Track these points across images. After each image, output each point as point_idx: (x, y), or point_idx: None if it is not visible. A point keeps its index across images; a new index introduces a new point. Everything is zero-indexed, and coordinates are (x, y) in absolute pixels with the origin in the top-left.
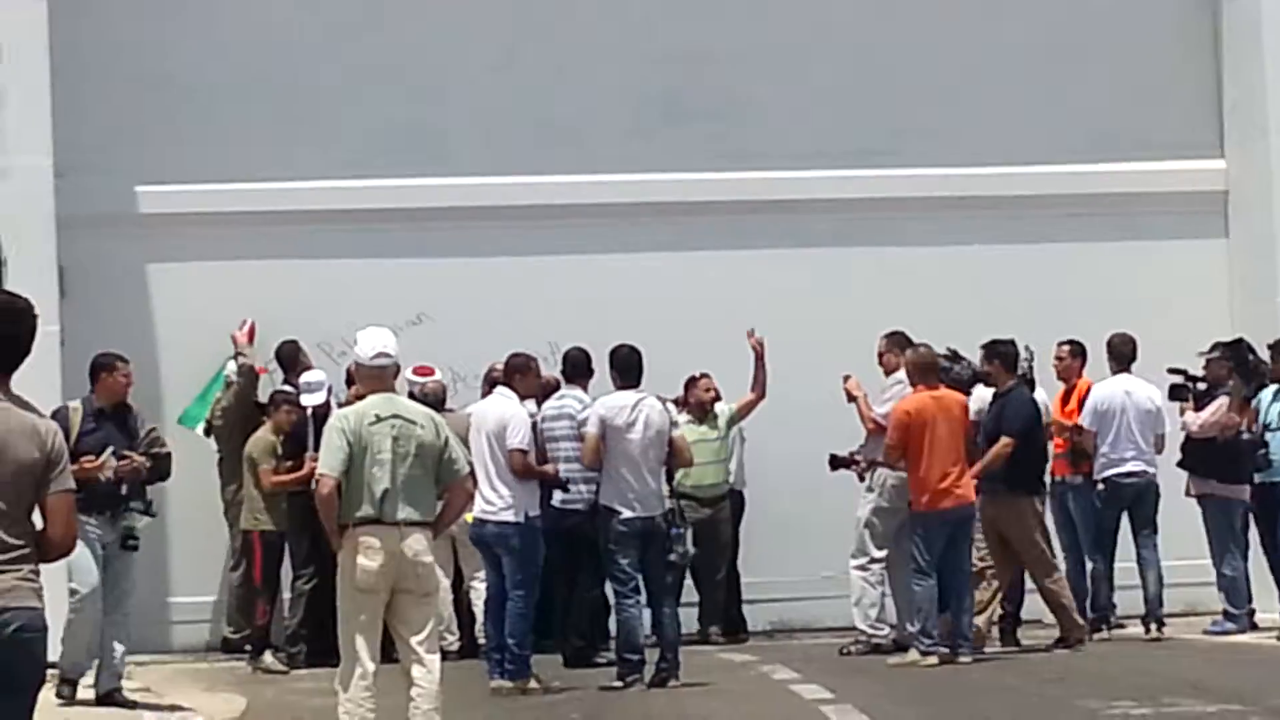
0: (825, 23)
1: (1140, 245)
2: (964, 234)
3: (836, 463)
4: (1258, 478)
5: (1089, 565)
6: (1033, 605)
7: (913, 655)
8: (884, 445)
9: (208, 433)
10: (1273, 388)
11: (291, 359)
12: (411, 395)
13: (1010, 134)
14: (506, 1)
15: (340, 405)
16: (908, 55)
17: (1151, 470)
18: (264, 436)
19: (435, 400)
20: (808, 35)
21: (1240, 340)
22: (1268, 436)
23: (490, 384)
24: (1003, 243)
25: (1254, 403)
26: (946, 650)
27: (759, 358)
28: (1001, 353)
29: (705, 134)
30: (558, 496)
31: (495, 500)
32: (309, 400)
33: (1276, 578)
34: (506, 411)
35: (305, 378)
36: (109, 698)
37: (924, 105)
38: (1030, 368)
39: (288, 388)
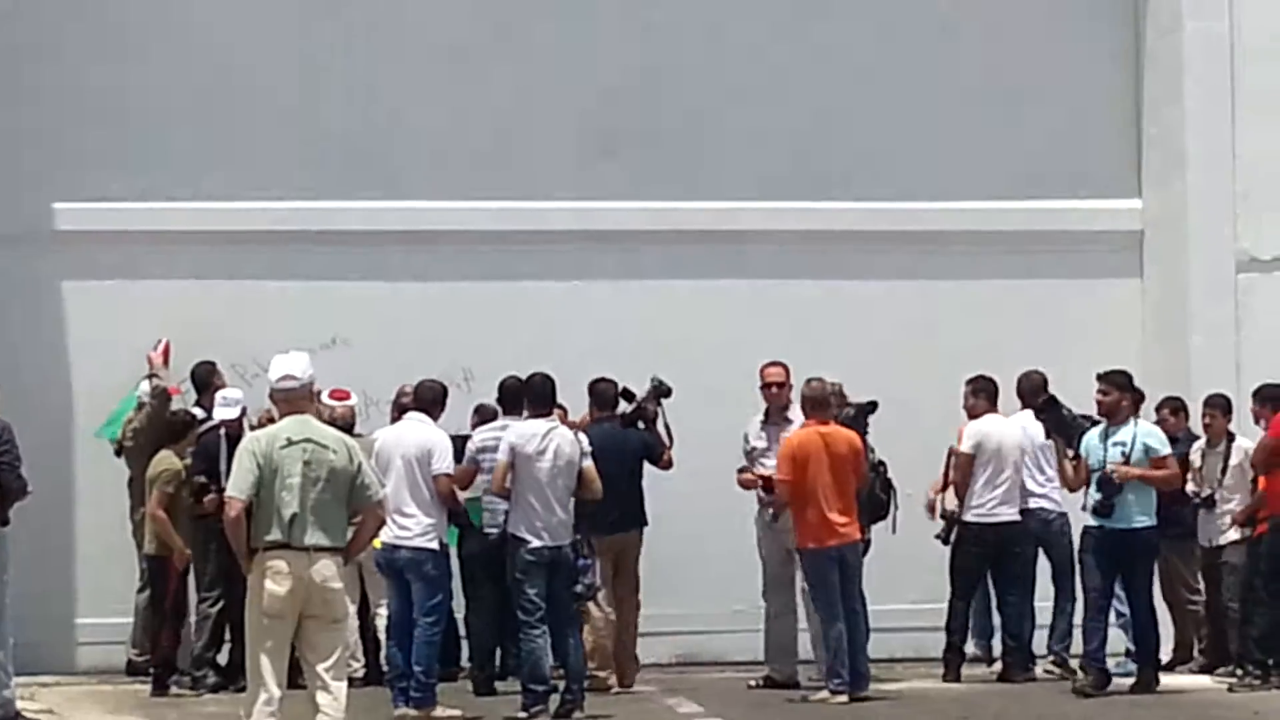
0: (772, 57)
1: (1056, 284)
2: (884, 268)
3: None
4: (1098, 521)
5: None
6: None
7: (823, 693)
8: (776, 483)
9: (118, 453)
10: (1096, 430)
11: (206, 380)
12: (322, 419)
13: (936, 170)
14: (443, 24)
15: (253, 427)
16: (847, 92)
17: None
18: (168, 460)
19: (344, 425)
20: (755, 68)
21: (1053, 398)
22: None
23: (400, 409)
24: (924, 278)
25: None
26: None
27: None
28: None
29: (646, 163)
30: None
31: (412, 526)
32: (220, 413)
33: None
34: (430, 436)
35: (222, 394)
36: None
37: (861, 140)
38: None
39: (197, 410)
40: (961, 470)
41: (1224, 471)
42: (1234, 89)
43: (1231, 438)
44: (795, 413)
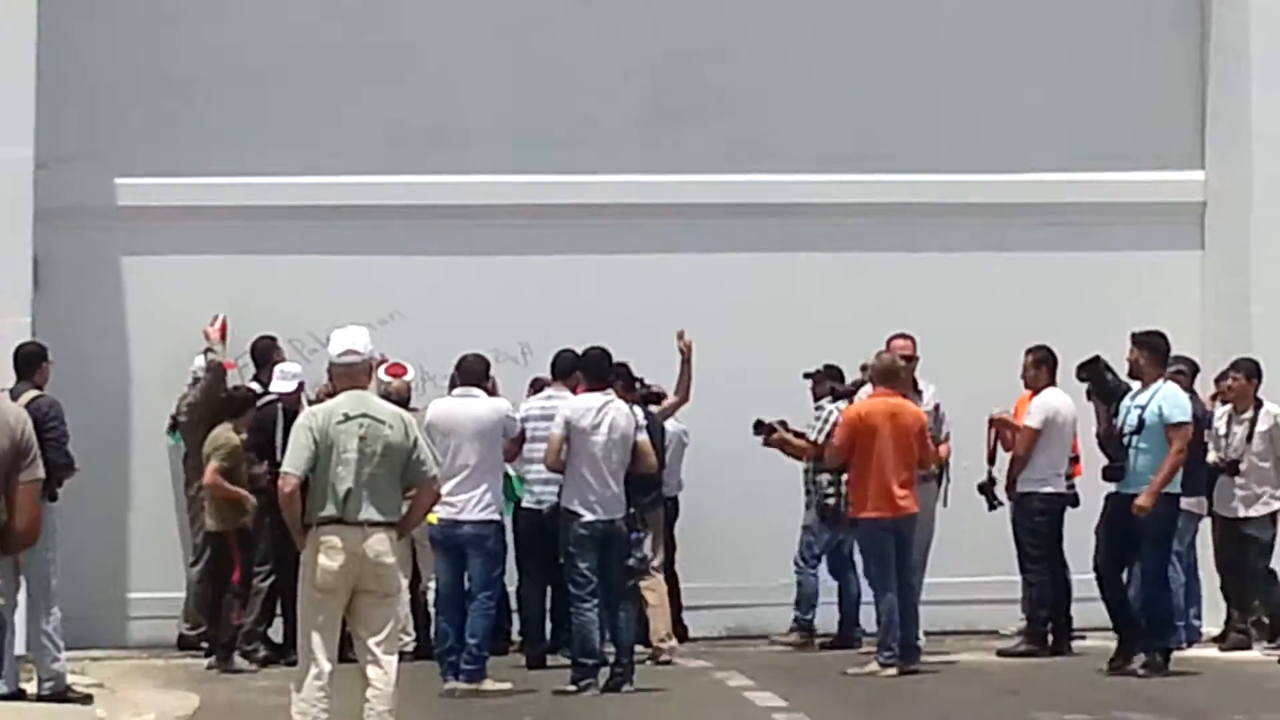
0: (833, 30)
1: (1116, 255)
2: (945, 240)
3: (759, 428)
4: (1115, 487)
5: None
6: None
7: (872, 665)
8: (829, 445)
9: (173, 429)
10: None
11: (266, 355)
12: (381, 394)
13: (994, 141)
14: (501, 4)
15: (311, 402)
16: (910, 64)
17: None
18: (225, 435)
19: (400, 399)
20: (815, 41)
21: (1097, 359)
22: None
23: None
24: (984, 250)
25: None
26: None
27: (685, 360)
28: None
29: (699, 136)
30: (528, 498)
31: (471, 500)
32: (278, 386)
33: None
34: (486, 408)
35: (280, 368)
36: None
37: (913, 112)
38: None
39: (254, 385)
40: (1024, 443)
41: (1249, 439)
42: None
43: (1259, 404)
44: (923, 386)
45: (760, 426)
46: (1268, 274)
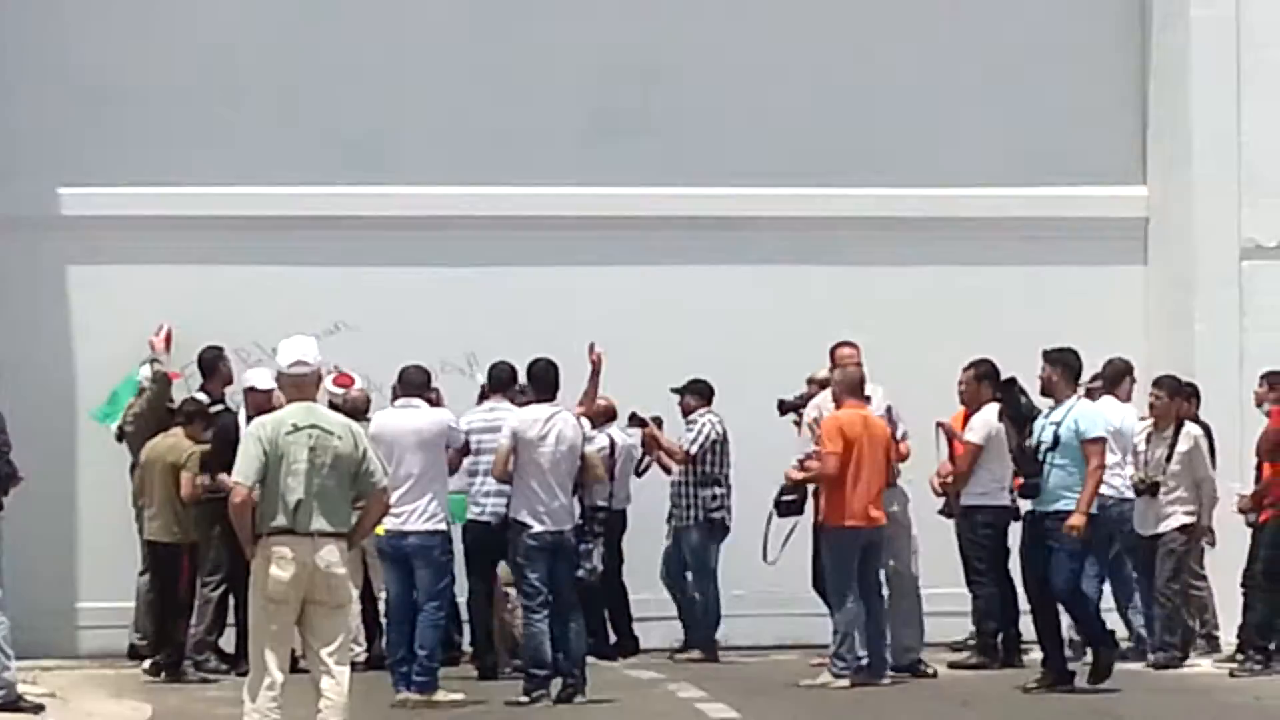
0: (776, 42)
1: (1060, 270)
2: (888, 254)
3: (785, 407)
4: (1028, 505)
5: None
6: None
7: (824, 676)
8: (823, 454)
9: (119, 438)
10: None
11: (212, 365)
12: (333, 405)
13: (943, 157)
14: (451, 8)
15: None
16: (850, 77)
17: None
18: (182, 443)
19: (355, 409)
20: (758, 53)
21: (1013, 380)
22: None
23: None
24: (929, 264)
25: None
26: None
27: (594, 372)
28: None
29: (644, 149)
30: (472, 510)
31: (417, 510)
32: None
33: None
34: (430, 419)
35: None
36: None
37: (870, 127)
38: None
39: (201, 395)
40: (967, 458)
41: (1169, 459)
42: (1239, 76)
43: (1180, 424)
44: (870, 390)
45: (785, 406)
46: (1210, 290)
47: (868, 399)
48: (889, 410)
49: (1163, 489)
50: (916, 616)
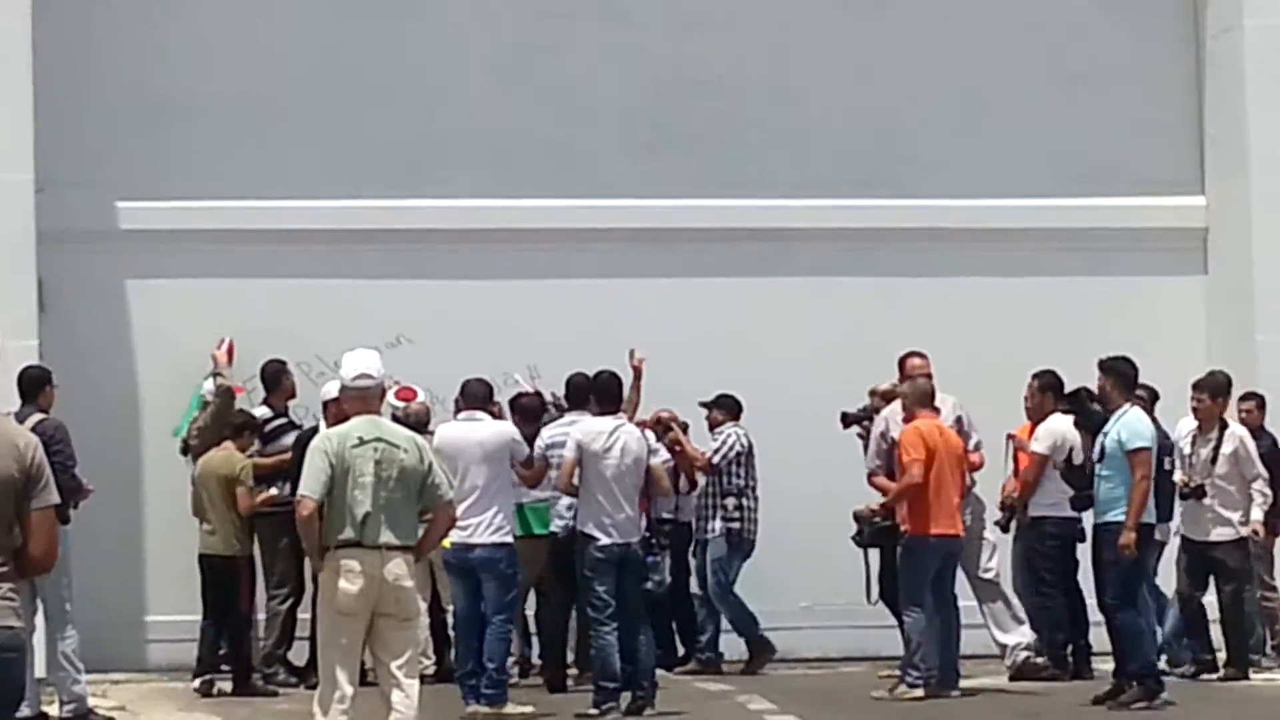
0: (825, 53)
1: (1118, 281)
2: (943, 266)
3: (848, 420)
4: (1088, 516)
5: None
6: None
7: (901, 687)
8: (907, 463)
9: (184, 451)
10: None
11: (276, 379)
12: (395, 418)
13: (993, 167)
14: (500, 22)
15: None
16: (901, 88)
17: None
18: (234, 457)
19: (418, 422)
20: (807, 65)
21: (1078, 392)
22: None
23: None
24: (986, 275)
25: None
26: (934, 683)
27: (636, 379)
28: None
29: (700, 160)
30: (556, 523)
31: (482, 523)
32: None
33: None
34: (494, 430)
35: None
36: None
37: (915, 137)
38: None
39: (264, 408)
40: (1033, 469)
41: (1214, 461)
42: None
43: (1225, 425)
44: (940, 401)
45: (848, 419)
46: (1271, 300)
47: (937, 410)
48: (959, 420)
49: (1209, 492)
50: (1009, 615)
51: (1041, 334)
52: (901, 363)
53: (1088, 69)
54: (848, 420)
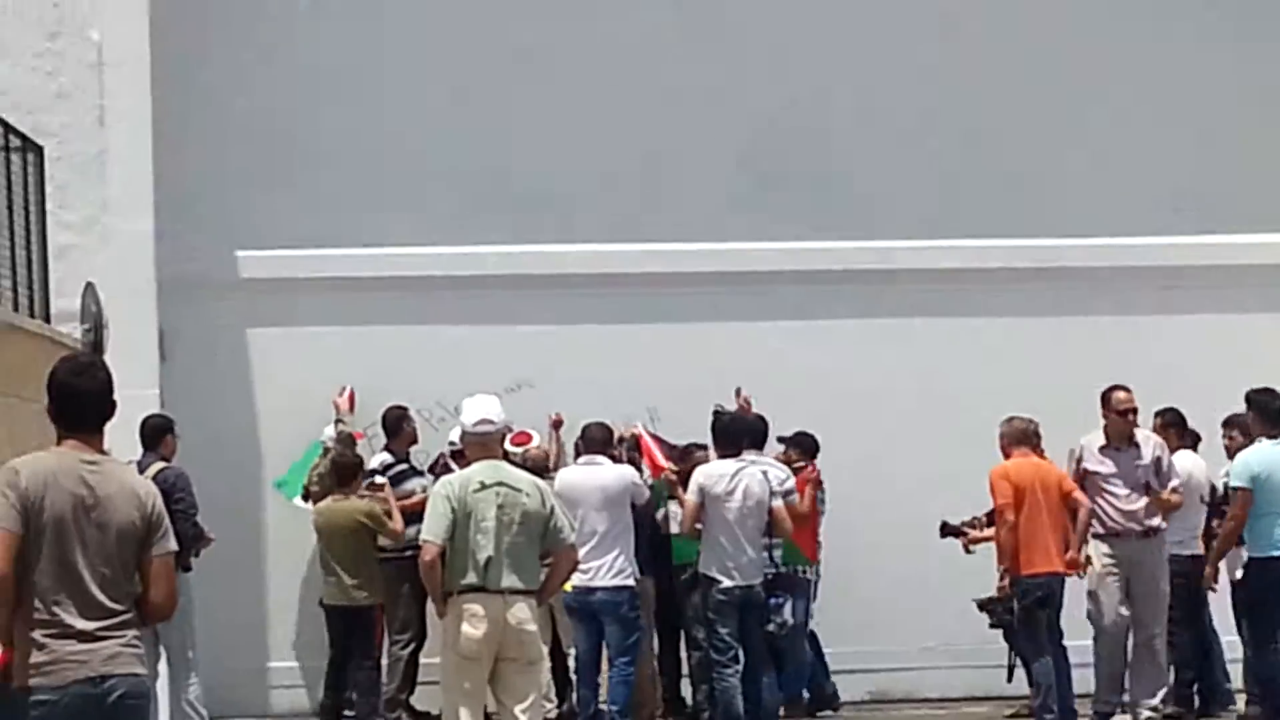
0: (919, 95)
1: (1211, 319)
2: (1052, 305)
3: (946, 530)
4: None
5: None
6: None
7: None
8: (998, 507)
9: (305, 498)
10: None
11: (397, 425)
12: (511, 463)
13: (1099, 204)
14: (608, 72)
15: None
16: (1007, 125)
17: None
18: (349, 504)
19: (538, 467)
20: (902, 106)
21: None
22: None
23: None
24: (1090, 314)
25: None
26: None
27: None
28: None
29: (803, 203)
30: None
31: (604, 566)
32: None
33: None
34: (616, 475)
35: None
36: None
37: (1013, 176)
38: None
39: (386, 455)
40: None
41: None
42: None
43: None
44: (1140, 436)
45: (946, 529)
46: None
47: (1137, 446)
48: (1157, 461)
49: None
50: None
51: (1136, 372)
52: (1105, 396)
53: (1198, 102)
54: (946, 530)
